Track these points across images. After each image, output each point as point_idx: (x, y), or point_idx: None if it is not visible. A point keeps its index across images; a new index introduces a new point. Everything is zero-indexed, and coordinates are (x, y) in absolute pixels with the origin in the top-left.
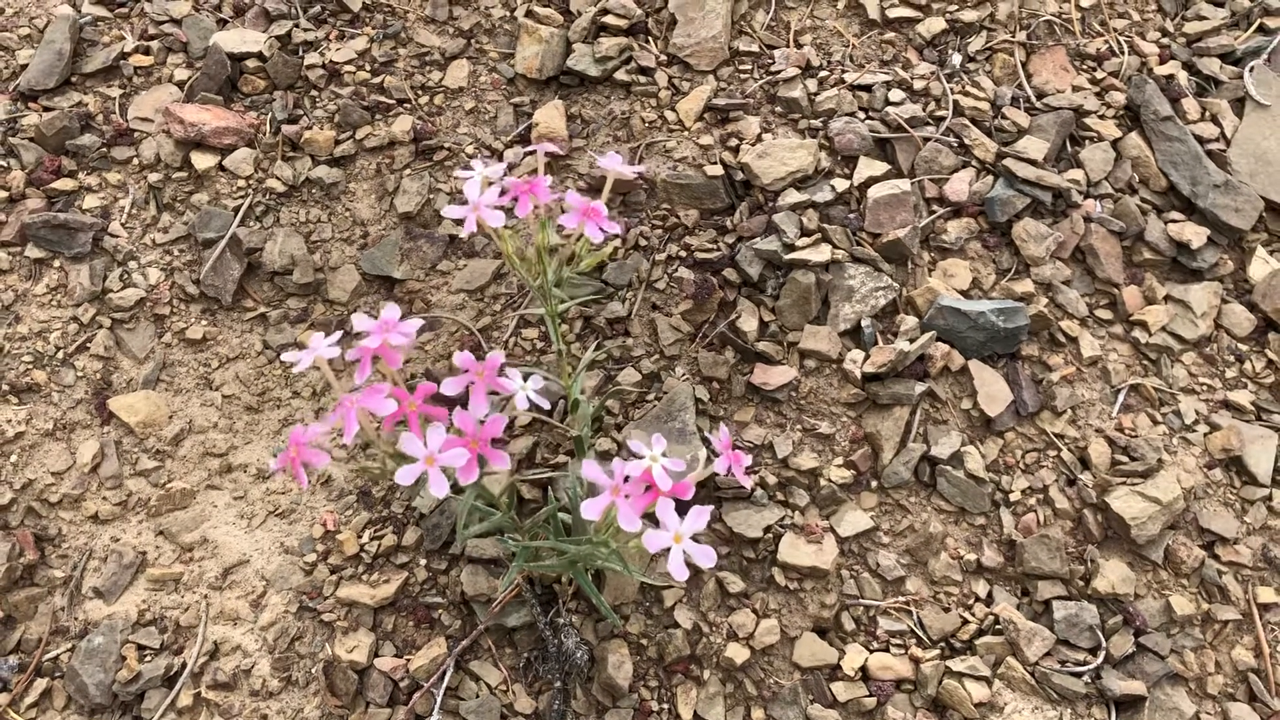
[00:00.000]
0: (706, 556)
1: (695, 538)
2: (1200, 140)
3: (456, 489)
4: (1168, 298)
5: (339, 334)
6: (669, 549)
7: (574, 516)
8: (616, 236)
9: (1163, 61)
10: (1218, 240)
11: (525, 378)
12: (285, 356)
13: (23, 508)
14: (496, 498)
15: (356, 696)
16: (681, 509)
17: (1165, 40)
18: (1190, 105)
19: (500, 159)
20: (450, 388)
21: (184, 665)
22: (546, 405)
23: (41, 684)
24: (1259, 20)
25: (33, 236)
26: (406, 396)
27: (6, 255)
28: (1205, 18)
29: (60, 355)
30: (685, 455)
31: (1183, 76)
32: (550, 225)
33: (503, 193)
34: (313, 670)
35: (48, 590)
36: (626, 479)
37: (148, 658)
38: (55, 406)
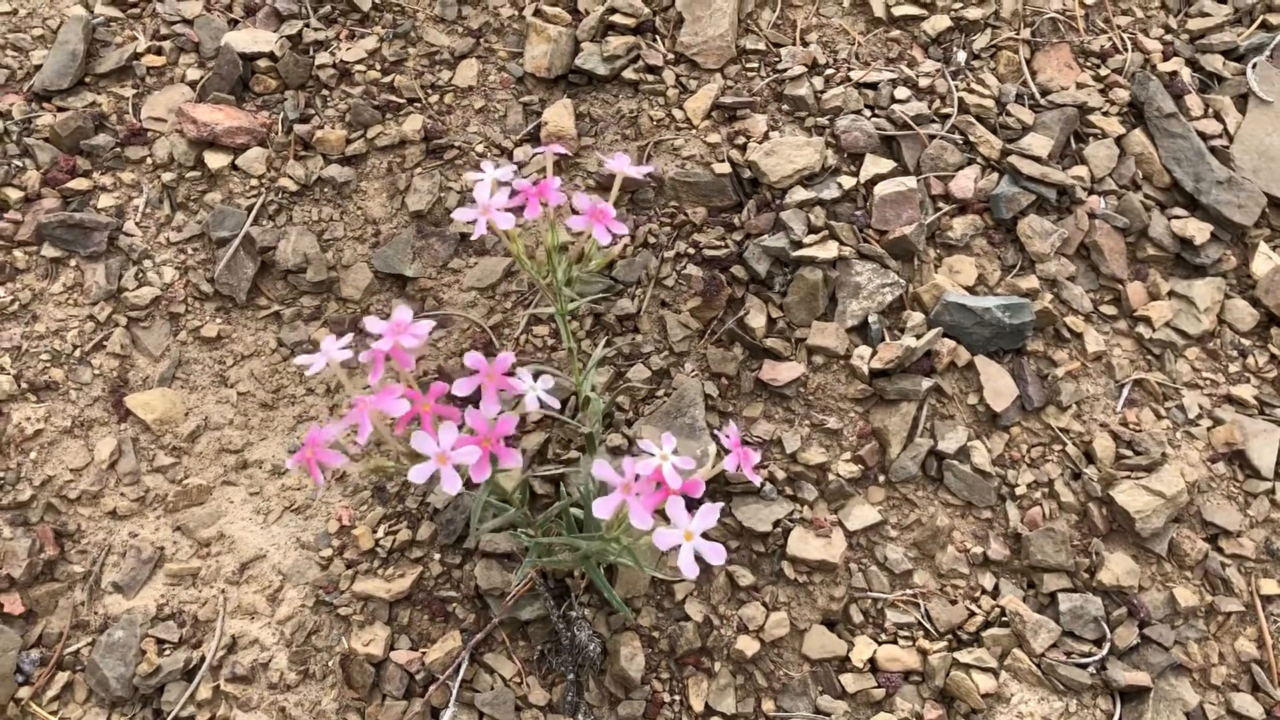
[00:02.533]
0: (716, 554)
1: (705, 535)
2: (1203, 137)
3: (470, 485)
4: (1171, 293)
5: (350, 336)
6: (679, 546)
7: (586, 512)
8: (624, 237)
9: (1166, 58)
10: (1221, 236)
11: (535, 377)
12: (298, 360)
13: (43, 504)
14: (510, 493)
15: (373, 689)
16: (692, 506)
17: (1169, 37)
18: (1194, 102)
19: (510, 157)
20: (462, 388)
21: (203, 659)
22: (556, 405)
23: (63, 677)
24: (1262, 17)
25: (49, 236)
26: (419, 396)
27: (23, 255)
28: (1209, 14)
29: (77, 353)
30: (695, 450)
31: (1186, 73)
32: (559, 225)
33: (513, 194)
34: (330, 663)
35: (68, 585)
36: (637, 477)
37: (167, 651)
38: (73, 404)
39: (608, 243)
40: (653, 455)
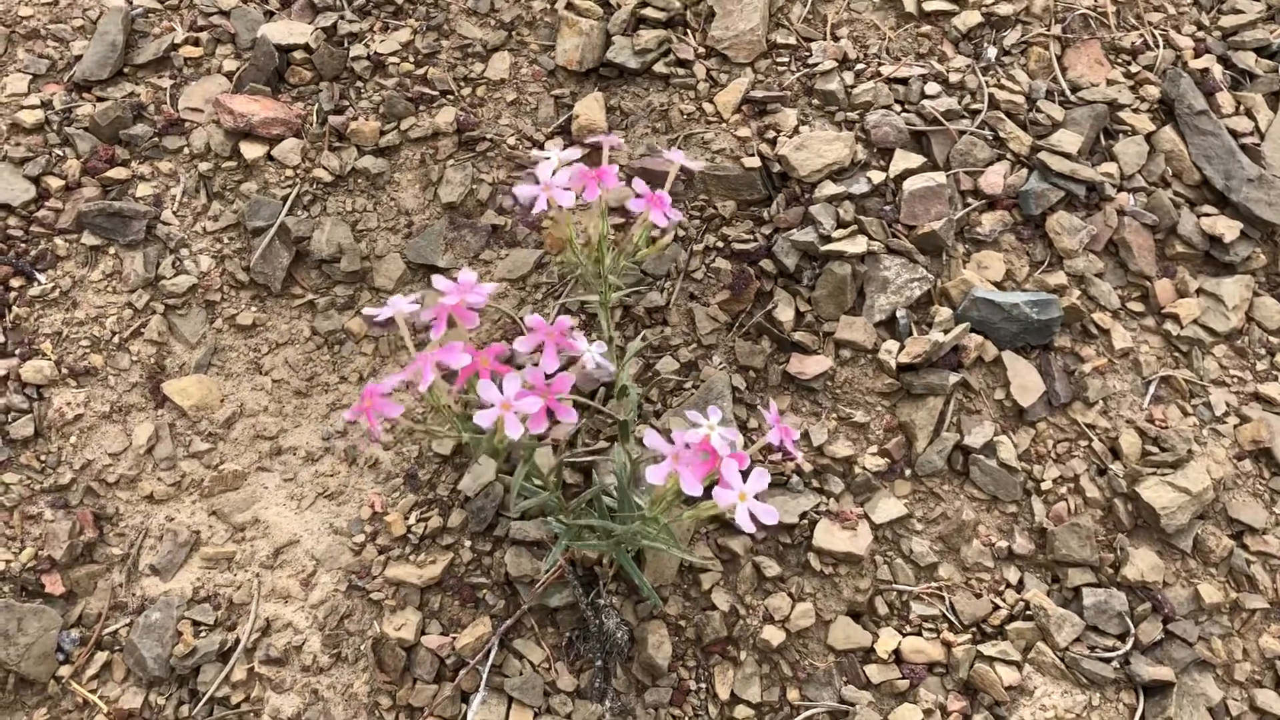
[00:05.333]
0: (769, 514)
1: (758, 497)
2: (1234, 134)
3: (504, 470)
4: (1200, 291)
5: (419, 294)
6: (735, 505)
7: (618, 498)
8: (678, 224)
9: (1198, 55)
10: (1250, 234)
11: (590, 343)
12: (366, 311)
13: (82, 487)
14: (545, 475)
15: (404, 673)
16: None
17: (1200, 34)
18: (1225, 99)
19: (541, 150)
20: (522, 345)
21: (237, 641)
22: (612, 369)
23: (102, 657)
24: None
25: (89, 224)
26: (479, 354)
27: (64, 242)
28: (1241, 11)
29: (116, 340)
30: None
31: (1217, 70)
32: (606, 214)
33: (571, 177)
34: (362, 647)
35: (106, 567)
36: (687, 447)
37: (203, 633)
38: (112, 389)
39: (664, 225)
40: (700, 426)
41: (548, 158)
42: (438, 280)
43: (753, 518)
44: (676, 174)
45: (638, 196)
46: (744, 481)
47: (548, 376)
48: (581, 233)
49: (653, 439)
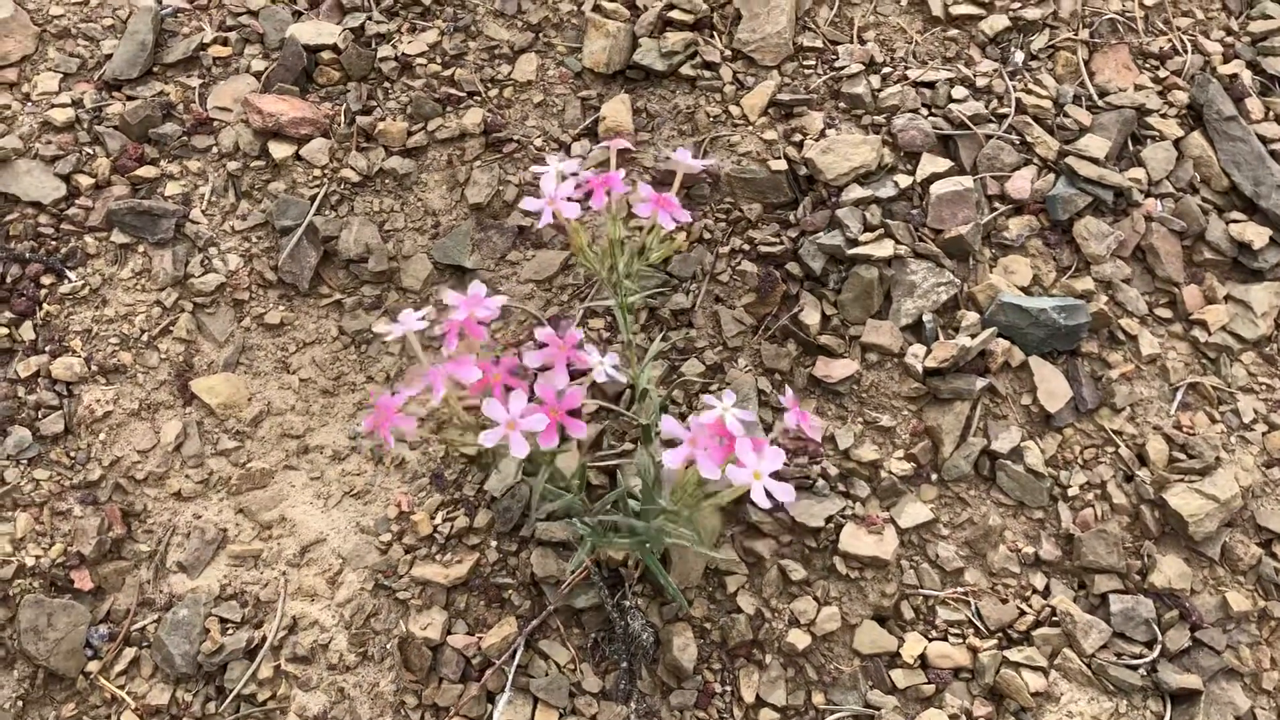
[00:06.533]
0: (786, 492)
1: (774, 475)
2: (1264, 140)
3: (529, 472)
4: (1228, 297)
5: (428, 309)
6: (751, 484)
7: (643, 498)
8: (687, 226)
9: (1227, 60)
10: (1279, 241)
11: (603, 354)
12: (378, 327)
13: (111, 484)
14: (569, 479)
15: (430, 672)
16: None
17: (1229, 39)
18: (1254, 105)
19: (568, 152)
20: (532, 360)
21: (264, 639)
22: (624, 380)
23: (130, 653)
24: None
25: (118, 222)
26: (490, 367)
27: (94, 240)
28: (1270, 16)
29: (145, 338)
30: None
31: (1247, 76)
32: (620, 218)
33: (577, 186)
34: (388, 646)
35: (134, 564)
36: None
37: (229, 631)
38: (140, 387)
39: (671, 229)
40: (714, 408)
41: (547, 170)
42: (447, 294)
43: (769, 495)
44: (696, 174)
45: (643, 201)
46: (759, 460)
47: (559, 393)
48: (592, 240)
49: (669, 424)
